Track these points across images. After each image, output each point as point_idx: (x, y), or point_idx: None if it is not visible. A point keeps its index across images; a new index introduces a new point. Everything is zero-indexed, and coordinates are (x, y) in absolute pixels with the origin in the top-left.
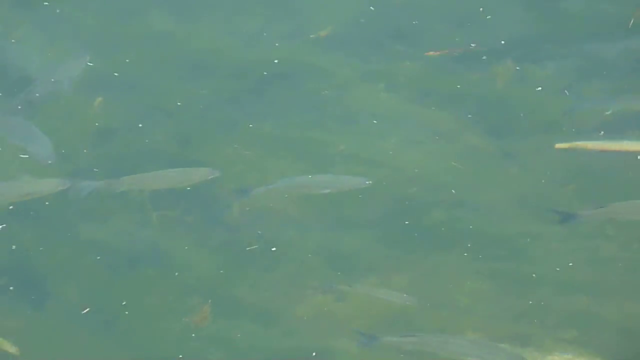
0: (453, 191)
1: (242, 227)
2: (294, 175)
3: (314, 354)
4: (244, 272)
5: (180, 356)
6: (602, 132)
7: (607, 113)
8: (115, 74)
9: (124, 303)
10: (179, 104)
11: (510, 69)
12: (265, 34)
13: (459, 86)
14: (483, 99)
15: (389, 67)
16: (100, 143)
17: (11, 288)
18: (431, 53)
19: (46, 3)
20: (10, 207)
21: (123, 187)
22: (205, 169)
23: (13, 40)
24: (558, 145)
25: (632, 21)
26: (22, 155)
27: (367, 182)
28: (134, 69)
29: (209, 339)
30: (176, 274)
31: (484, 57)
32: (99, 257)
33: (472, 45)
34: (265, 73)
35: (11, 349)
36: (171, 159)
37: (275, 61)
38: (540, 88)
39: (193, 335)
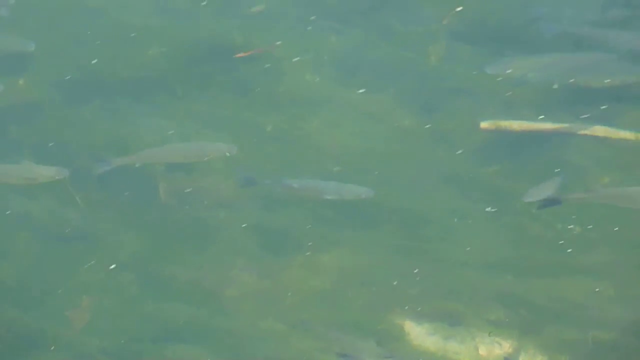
0: (376, 172)
1: (173, 207)
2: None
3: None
4: (174, 251)
5: None
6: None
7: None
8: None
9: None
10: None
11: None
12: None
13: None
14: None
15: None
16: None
17: None
18: (240, 55)
19: None
20: None
21: (139, 162)
22: (223, 144)
23: None
24: (483, 125)
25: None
26: None
27: (372, 193)
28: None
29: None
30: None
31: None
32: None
33: (278, 43)
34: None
35: None
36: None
37: (208, 37)
38: None
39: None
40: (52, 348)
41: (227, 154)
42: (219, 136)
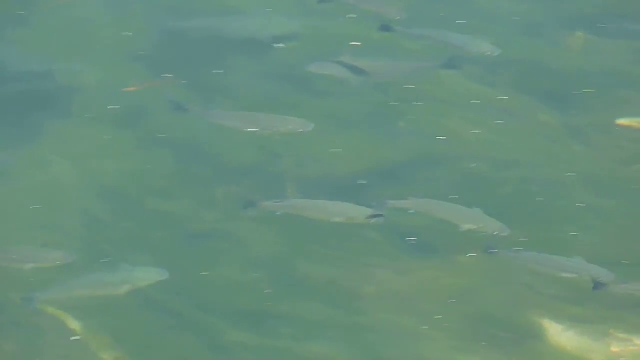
0: None
1: None
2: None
3: None
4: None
5: None
6: None
7: None
8: None
9: None
10: None
11: None
12: None
13: None
14: None
15: None
16: None
17: None
18: (130, 89)
19: None
20: None
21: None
22: (299, 120)
23: None
24: (620, 122)
25: None
26: None
27: (382, 217)
28: None
29: None
30: None
31: None
32: None
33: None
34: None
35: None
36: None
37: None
38: None
39: None
40: None
41: (300, 130)
42: None
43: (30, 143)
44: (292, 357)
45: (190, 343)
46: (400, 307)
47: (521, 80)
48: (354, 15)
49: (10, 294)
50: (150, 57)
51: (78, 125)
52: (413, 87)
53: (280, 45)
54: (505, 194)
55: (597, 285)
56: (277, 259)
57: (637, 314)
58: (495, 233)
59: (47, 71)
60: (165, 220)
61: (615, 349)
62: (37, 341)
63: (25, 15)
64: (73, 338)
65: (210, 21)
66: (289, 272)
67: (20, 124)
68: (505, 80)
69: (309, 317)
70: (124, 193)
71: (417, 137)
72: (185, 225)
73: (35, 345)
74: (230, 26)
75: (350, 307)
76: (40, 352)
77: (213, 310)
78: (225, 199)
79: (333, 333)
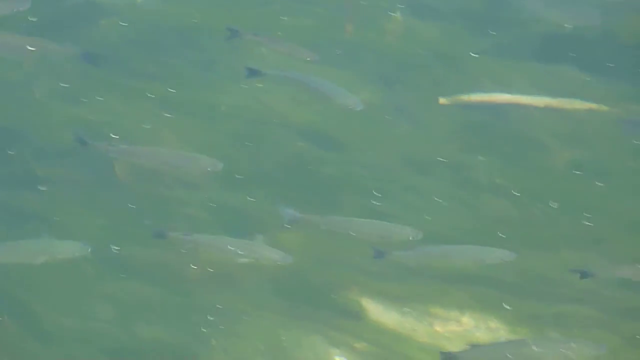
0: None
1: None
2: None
3: None
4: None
5: None
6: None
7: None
8: None
9: None
10: None
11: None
12: None
13: None
14: None
15: None
16: None
17: None
18: None
19: None
20: None
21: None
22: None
23: None
24: (442, 101)
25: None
26: None
27: (419, 235)
28: None
29: None
30: None
31: None
32: None
33: None
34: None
35: None
36: None
37: None
38: None
39: None
40: None
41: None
42: None
43: None
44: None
45: (8, 328)
46: (224, 287)
47: (344, 61)
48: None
49: None
50: None
51: None
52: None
53: None
54: (328, 176)
55: None
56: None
57: (460, 290)
58: None
59: None
60: None
61: (438, 328)
62: None
63: None
64: None
65: None
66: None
67: None
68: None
69: (132, 299)
70: None
71: (239, 120)
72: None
73: None
74: None
75: (176, 289)
76: None
77: (32, 293)
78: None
79: (157, 314)
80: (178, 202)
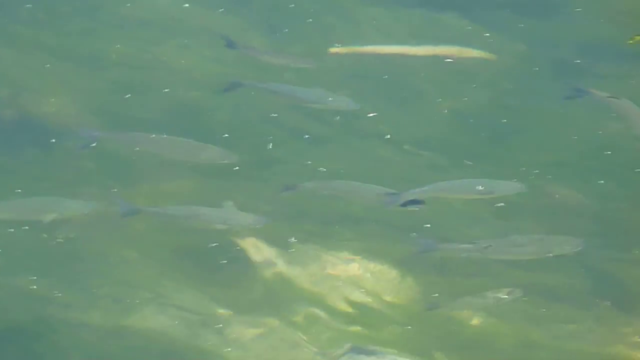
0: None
1: None
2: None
3: None
4: None
5: None
6: None
7: None
8: None
9: None
10: None
11: None
12: None
13: None
14: None
15: None
16: None
17: None
18: None
19: None
20: None
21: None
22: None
23: None
24: (332, 50)
25: None
26: None
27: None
28: None
29: None
30: None
31: None
32: None
33: None
34: None
35: None
36: None
37: None
38: None
39: None
40: None
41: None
42: None
43: None
44: None
45: None
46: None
47: (232, 8)
48: None
49: None
50: None
51: None
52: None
53: None
54: (219, 122)
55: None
56: None
57: (353, 231)
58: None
59: None
60: None
61: (331, 270)
62: None
63: None
64: None
65: None
66: None
67: None
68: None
69: None
70: None
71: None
72: None
73: None
74: None
75: None
76: None
77: None
78: None
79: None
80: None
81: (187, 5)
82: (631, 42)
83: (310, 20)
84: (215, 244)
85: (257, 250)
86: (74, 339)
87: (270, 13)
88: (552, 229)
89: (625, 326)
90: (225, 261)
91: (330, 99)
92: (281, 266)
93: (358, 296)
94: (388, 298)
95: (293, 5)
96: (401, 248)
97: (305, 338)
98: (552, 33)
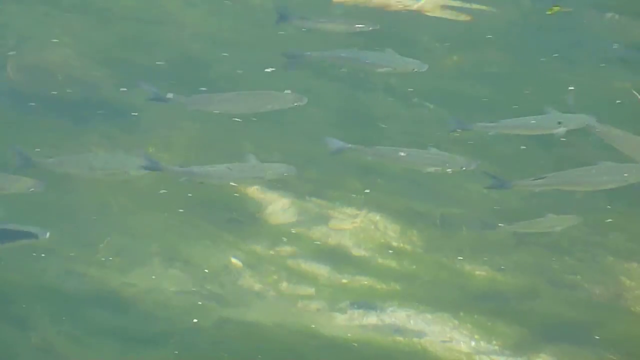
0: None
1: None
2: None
3: None
4: None
5: None
6: None
7: None
8: None
9: None
10: None
11: None
12: None
13: None
14: None
15: None
16: None
17: None
18: None
19: None
20: None
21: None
22: (292, 94)
23: None
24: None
25: None
26: None
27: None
28: None
29: None
30: None
31: None
32: None
33: None
34: None
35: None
36: None
37: None
38: None
39: None
40: None
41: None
42: None
43: None
44: None
45: None
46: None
47: None
48: None
49: None
50: None
51: None
52: None
53: None
54: (220, 75)
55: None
56: None
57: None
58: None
59: None
60: None
61: (333, 225)
62: None
63: None
64: None
65: None
66: None
67: None
68: None
69: None
70: None
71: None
72: None
73: None
74: None
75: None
76: None
77: None
78: None
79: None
80: None
81: None
82: (549, 12)
83: None
84: None
85: None
86: None
87: None
88: None
89: None
90: None
91: (400, 61)
92: None
93: None
94: None
95: None
96: None
97: None
98: None
